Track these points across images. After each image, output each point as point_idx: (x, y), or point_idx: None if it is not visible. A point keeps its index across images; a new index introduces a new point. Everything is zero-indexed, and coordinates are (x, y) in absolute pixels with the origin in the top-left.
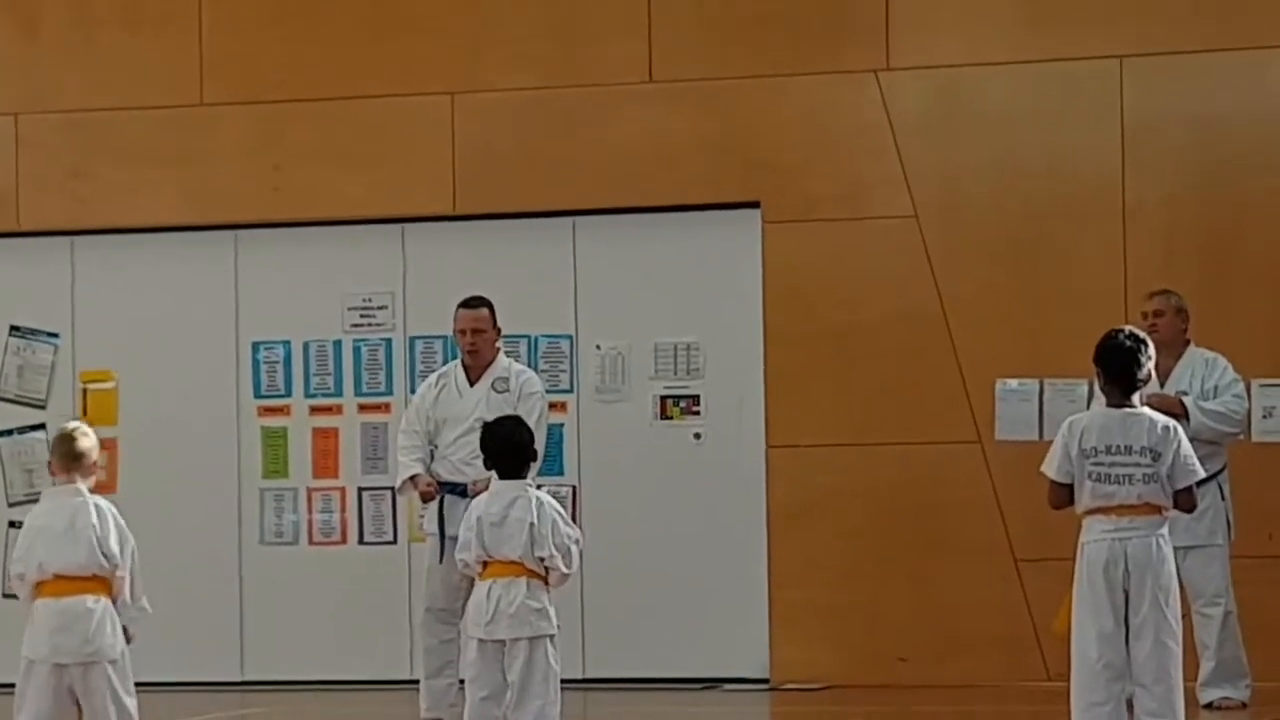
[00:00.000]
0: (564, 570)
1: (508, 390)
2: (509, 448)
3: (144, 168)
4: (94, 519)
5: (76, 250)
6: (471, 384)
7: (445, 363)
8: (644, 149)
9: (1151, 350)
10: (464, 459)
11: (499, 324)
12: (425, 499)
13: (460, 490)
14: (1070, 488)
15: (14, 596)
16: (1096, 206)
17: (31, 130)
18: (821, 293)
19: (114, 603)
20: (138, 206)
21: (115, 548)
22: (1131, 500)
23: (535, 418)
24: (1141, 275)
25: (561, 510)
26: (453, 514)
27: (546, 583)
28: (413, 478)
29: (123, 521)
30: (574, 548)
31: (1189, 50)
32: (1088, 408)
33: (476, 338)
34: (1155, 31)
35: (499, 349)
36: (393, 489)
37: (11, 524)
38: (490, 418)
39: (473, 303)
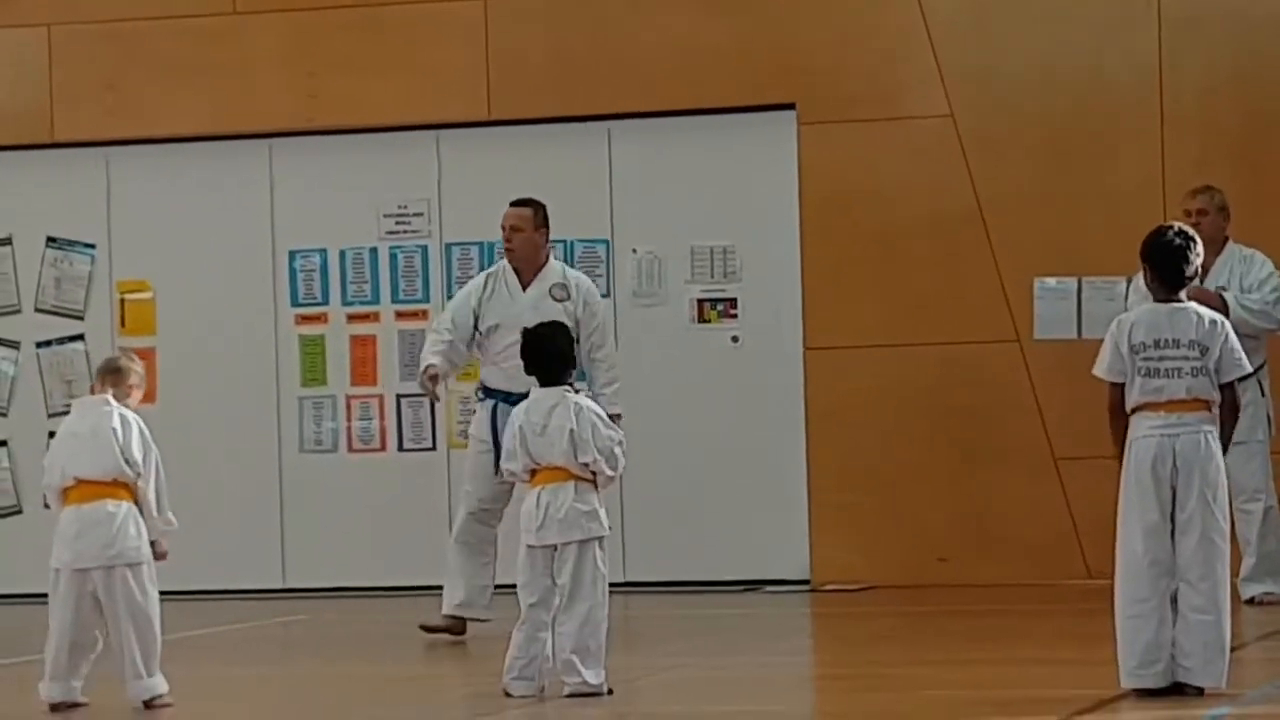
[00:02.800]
0: (609, 473)
1: (567, 298)
2: (549, 354)
3: (177, 78)
4: (116, 424)
5: (111, 161)
6: (524, 287)
7: (482, 269)
8: (678, 52)
9: (1200, 248)
10: (518, 366)
11: (548, 227)
12: (423, 386)
13: (514, 400)
14: (1124, 387)
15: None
16: (1133, 103)
17: (64, 42)
18: (857, 194)
19: (139, 511)
20: (172, 117)
21: (138, 455)
22: (1180, 394)
23: (605, 329)
24: (1178, 171)
25: (601, 413)
26: (506, 423)
27: (595, 485)
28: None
29: (148, 433)
30: (617, 450)
31: None
32: (1125, 305)
33: (515, 235)
34: None
35: (549, 251)
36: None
37: (52, 434)
38: None
39: (519, 202)
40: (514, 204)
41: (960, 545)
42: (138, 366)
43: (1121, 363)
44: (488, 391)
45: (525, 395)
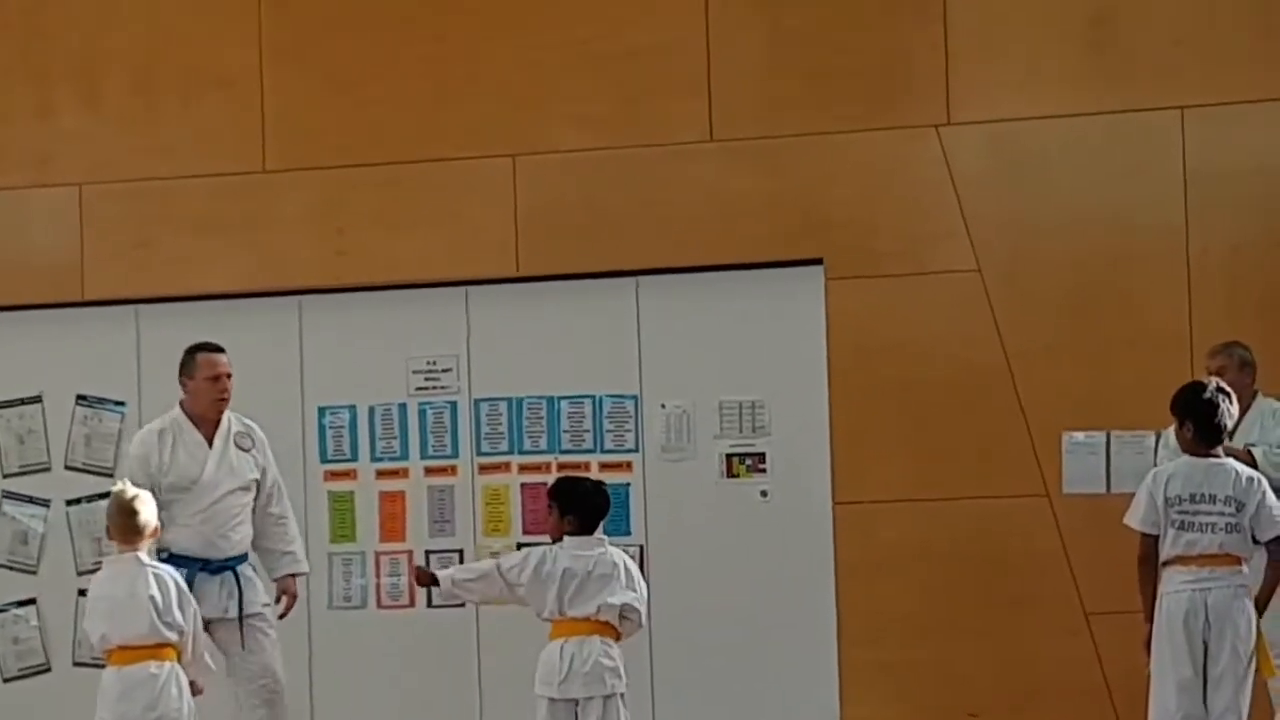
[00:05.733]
0: (641, 624)
1: (252, 446)
2: (597, 505)
3: (207, 235)
4: (154, 589)
5: (141, 319)
6: (207, 440)
7: (511, 425)
8: (706, 208)
9: (1234, 405)
10: (220, 527)
11: None
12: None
13: (214, 567)
14: (1157, 539)
15: (84, 665)
16: (1160, 257)
17: (95, 201)
18: (886, 348)
19: (180, 663)
20: (201, 274)
21: (178, 614)
22: (1213, 550)
23: (280, 480)
24: (1207, 324)
25: (631, 562)
26: (204, 592)
27: (617, 638)
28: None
29: (184, 585)
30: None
31: (1250, 99)
32: (1154, 460)
33: (229, 382)
34: (1216, 81)
35: None
36: (460, 551)
37: (81, 592)
38: (243, 482)
39: (218, 347)
40: (215, 349)
41: (991, 700)
42: (148, 507)
43: (1156, 514)
44: (178, 559)
45: (229, 560)
